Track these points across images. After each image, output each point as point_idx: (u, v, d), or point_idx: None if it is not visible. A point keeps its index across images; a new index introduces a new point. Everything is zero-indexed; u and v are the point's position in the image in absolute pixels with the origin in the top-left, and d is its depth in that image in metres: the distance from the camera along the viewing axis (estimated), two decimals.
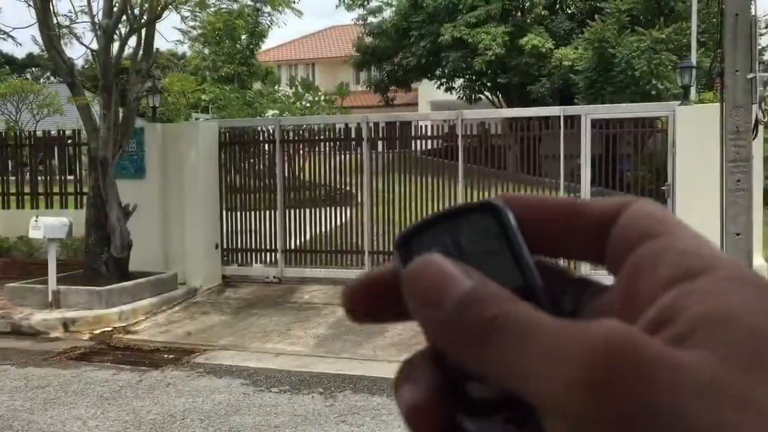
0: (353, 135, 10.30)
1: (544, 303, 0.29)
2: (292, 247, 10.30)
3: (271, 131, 10.69)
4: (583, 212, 0.32)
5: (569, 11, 24.28)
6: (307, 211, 10.29)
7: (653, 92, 16.65)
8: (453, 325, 0.28)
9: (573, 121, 9.17)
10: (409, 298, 0.29)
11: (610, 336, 0.25)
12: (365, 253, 9.79)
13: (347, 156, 10.33)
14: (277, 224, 10.23)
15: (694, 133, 8.11)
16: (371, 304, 0.32)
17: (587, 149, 9.04)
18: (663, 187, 8.97)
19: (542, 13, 22.64)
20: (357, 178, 10.15)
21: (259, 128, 10.87)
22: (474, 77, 25.67)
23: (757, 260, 7.86)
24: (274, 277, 10.08)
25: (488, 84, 26.11)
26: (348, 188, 10.36)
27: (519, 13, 24.33)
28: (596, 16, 19.13)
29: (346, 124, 10.72)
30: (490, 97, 26.94)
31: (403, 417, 0.30)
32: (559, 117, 9.22)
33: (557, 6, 24.25)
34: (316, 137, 10.49)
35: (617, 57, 17.64)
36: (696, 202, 8.00)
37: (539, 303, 0.28)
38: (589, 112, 9.24)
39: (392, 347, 7.08)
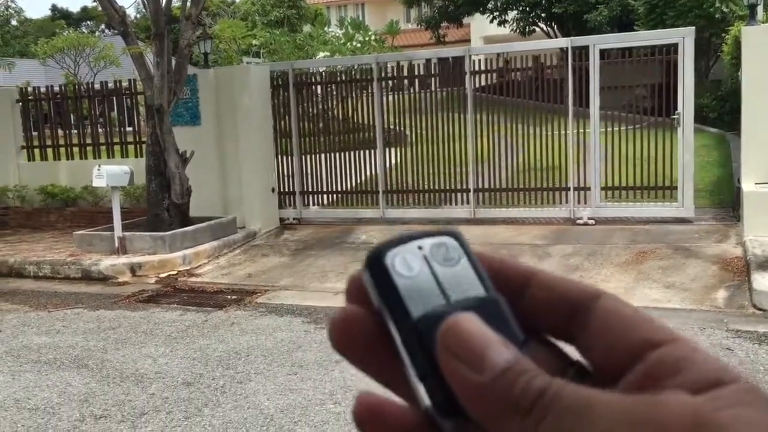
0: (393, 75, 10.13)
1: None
2: (346, 188, 10.34)
3: (322, 72, 10.65)
4: (548, 286, 0.35)
5: None
6: (362, 153, 10.25)
7: (717, 15, 15.86)
8: (493, 391, 0.30)
9: (625, 52, 8.91)
10: (445, 354, 0.31)
11: (699, 413, 0.27)
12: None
13: (395, 96, 10.17)
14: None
15: (763, 54, 7.71)
16: (355, 347, 0.34)
17: (596, 80, 8.86)
18: (673, 116, 8.67)
19: None
20: (409, 118, 10.08)
21: (311, 69, 10.82)
22: (527, 8, 24.90)
23: None
24: (294, 219, 10.21)
25: (542, 15, 25.31)
26: (401, 129, 10.27)
27: None
28: None
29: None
30: (544, 28, 26.13)
31: None
32: (571, 48, 9.08)
33: None
34: (355, 77, 10.33)
35: None
36: (765, 128, 7.67)
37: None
38: (598, 42, 9.05)
39: None
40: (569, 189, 9.11)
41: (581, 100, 9.11)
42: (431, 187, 9.98)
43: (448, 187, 9.88)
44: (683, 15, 17.03)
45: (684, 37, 8.53)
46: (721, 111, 16.35)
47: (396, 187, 10.14)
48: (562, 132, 9.20)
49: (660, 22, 17.51)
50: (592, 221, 8.88)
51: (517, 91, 9.59)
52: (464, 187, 9.68)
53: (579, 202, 9.09)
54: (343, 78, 10.45)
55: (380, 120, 9.97)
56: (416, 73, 10.14)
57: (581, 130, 9.06)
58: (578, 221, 8.94)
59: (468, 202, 9.63)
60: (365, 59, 11.00)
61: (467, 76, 9.53)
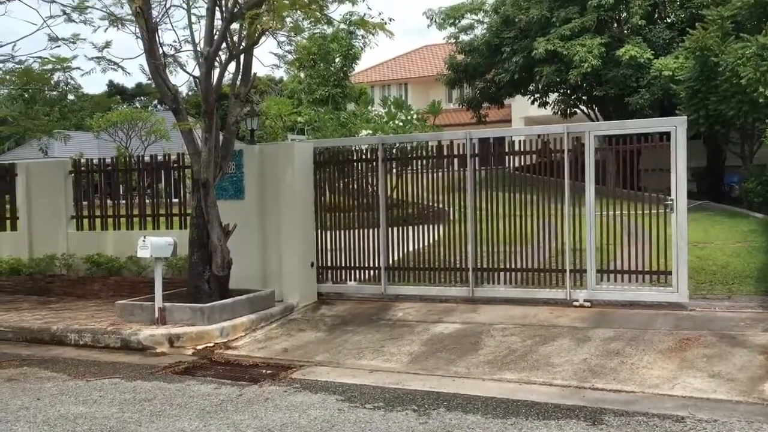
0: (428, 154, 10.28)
1: None
2: (383, 265, 10.36)
3: (364, 150, 10.83)
4: None
5: (668, 20, 23.47)
6: (398, 229, 10.37)
7: (761, 100, 15.82)
8: None
9: (661, 135, 8.95)
10: None
11: None
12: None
13: (439, 174, 10.38)
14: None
15: None
16: None
17: (591, 165, 9.12)
18: (667, 202, 8.76)
19: (640, 23, 21.99)
20: (449, 196, 10.18)
21: (353, 147, 11.01)
22: (569, 91, 25.19)
23: None
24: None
25: (584, 97, 25.55)
26: (441, 206, 10.38)
27: (615, 24, 23.74)
28: (697, 24, 18.38)
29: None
30: (585, 110, 26.35)
31: None
32: (567, 133, 9.37)
33: (656, 15, 23.49)
34: (410, 155, 10.55)
35: (721, 65, 16.89)
36: None
37: None
38: (593, 129, 9.39)
39: (486, 365, 7.00)
40: (566, 271, 9.25)
41: (604, 180, 9.12)
42: (432, 265, 10.14)
43: (448, 266, 10.02)
44: (726, 100, 17.04)
45: (676, 126, 8.77)
46: (767, 196, 16.11)
47: (399, 264, 10.33)
48: (572, 214, 9.30)
49: (702, 107, 17.54)
50: (588, 303, 9.00)
51: (530, 172, 9.81)
52: (463, 266, 9.84)
53: (575, 284, 9.24)
54: (360, 157, 10.69)
55: (384, 198, 10.29)
56: (422, 153, 10.48)
57: (599, 212, 9.20)
58: (574, 303, 9.06)
59: (467, 281, 9.76)
60: (372, 140, 11.33)
61: (468, 159, 9.86)
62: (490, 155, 10.19)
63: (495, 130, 11.14)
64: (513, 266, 9.70)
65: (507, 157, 10.05)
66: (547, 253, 9.49)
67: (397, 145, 10.82)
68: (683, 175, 8.69)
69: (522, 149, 9.97)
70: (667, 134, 8.94)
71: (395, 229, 10.43)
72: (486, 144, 10.26)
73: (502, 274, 9.75)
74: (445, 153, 10.36)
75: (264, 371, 7.22)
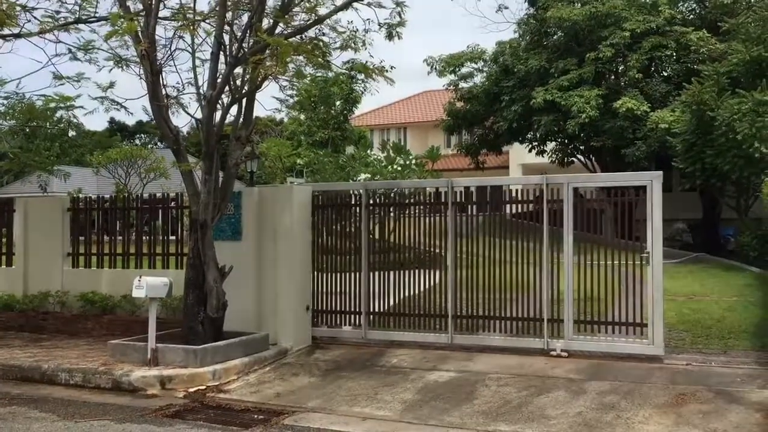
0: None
1: None
2: (380, 310, 10.32)
3: (361, 194, 10.88)
4: None
5: (665, 74, 23.83)
6: (395, 273, 10.36)
7: (756, 155, 15.98)
8: None
9: (640, 189, 9.05)
10: None
11: None
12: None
13: (422, 220, 10.48)
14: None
15: None
16: None
17: (569, 216, 9.23)
18: (643, 254, 8.82)
19: (637, 76, 22.33)
20: (431, 241, 10.24)
21: (351, 191, 11.06)
22: (566, 140, 25.43)
23: None
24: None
25: (581, 147, 25.80)
26: (436, 251, 10.39)
27: (612, 77, 24.10)
28: (693, 78, 18.67)
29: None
30: (582, 160, 26.58)
31: None
32: (546, 185, 9.45)
33: (652, 69, 23.86)
34: (405, 200, 10.63)
35: (717, 120, 17.10)
36: None
37: None
38: (571, 181, 9.49)
39: (480, 415, 6.93)
40: (543, 320, 9.28)
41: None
42: (413, 311, 10.15)
43: (429, 312, 10.02)
44: (722, 154, 17.20)
45: (652, 180, 8.90)
46: (762, 250, 16.17)
47: (379, 310, 10.29)
48: (550, 263, 9.34)
49: (698, 160, 17.70)
50: (565, 353, 9.03)
51: (505, 226, 9.84)
52: (443, 312, 9.85)
53: (552, 334, 9.25)
54: (355, 201, 10.71)
55: (366, 243, 10.33)
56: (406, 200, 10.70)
57: (577, 261, 9.21)
58: (552, 353, 9.09)
59: (446, 328, 9.80)
60: (356, 186, 11.47)
61: (450, 207, 9.97)
62: (472, 203, 10.29)
63: (478, 179, 11.14)
64: (492, 314, 9.69)
65: (495, 205, 10.11)
66: (527, 302, 9.50)
67: (395, 190, 10.91)
68: (659, 229, 8.78)
69: (507, 198, 10.07)
70: (640, 188, 9.10)
71: (379, 273, 10.37)
72: (470, 192, 10.35)
73: (481, 321, 9.75)
74: (429, 200, 10.49)
75: (255, 416, 7.14)
